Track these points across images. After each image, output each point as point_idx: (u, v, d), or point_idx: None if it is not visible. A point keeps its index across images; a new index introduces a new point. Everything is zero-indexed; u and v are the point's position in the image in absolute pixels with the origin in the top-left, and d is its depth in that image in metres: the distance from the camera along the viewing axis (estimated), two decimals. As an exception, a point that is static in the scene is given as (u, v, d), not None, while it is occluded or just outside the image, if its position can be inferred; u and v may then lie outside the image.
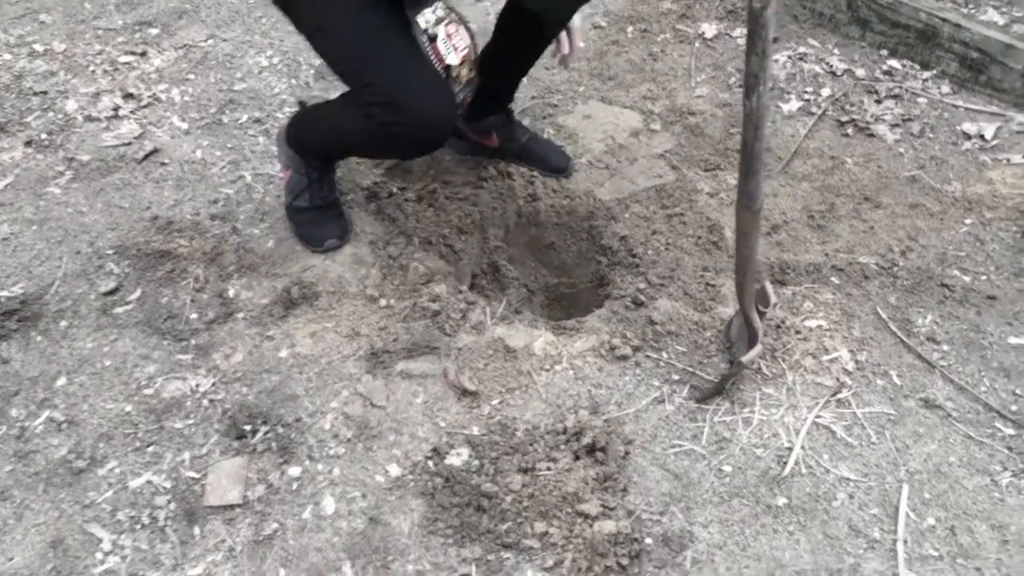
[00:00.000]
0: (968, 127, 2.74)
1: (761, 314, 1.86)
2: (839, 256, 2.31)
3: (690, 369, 2.00)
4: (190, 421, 1.91)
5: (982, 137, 2.71)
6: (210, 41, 3.13)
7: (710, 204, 2.49)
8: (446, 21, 2.19)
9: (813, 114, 2.86)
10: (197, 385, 1.98)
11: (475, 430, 1.89)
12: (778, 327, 2.09)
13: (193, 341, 2.09)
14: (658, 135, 2.75)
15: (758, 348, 1.84)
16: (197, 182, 2.53)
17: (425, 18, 2.17)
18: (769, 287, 1.85)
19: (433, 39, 2.16)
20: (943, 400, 1.95)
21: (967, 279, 2.25)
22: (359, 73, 1.92)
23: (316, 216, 2.32)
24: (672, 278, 2.22)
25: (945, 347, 2.08)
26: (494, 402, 1.94)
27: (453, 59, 2.19)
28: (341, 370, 2.01)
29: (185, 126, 2.74)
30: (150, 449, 1.86)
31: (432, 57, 2.14)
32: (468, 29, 2.27)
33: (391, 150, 2.19)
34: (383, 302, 2.16)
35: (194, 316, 2.15)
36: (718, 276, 2.25)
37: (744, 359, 1.82)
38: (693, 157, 2.68)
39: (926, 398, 1.95)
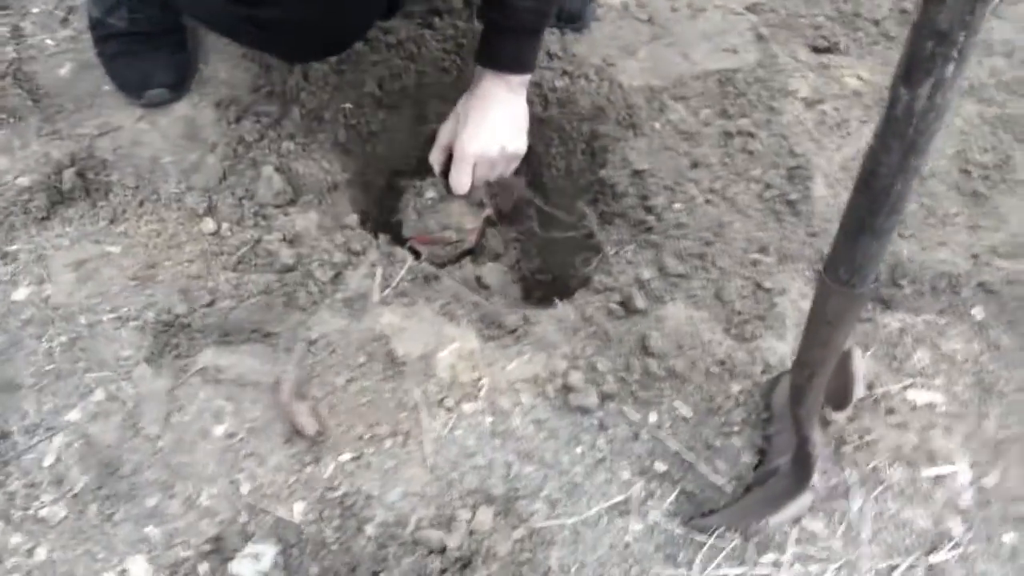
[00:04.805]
0: None
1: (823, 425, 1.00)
2: (997, 265, 1.36)
3: (689, 457, 1.15)
4: None
5: None
6: None
7: (804, 121, 1.48)
8: None
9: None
10: None
11: (297, 511, 1.10)
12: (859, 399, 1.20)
13: None
14: (750, -31, 1.67)
15: (804, 500, 1.00)
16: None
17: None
18: (858, 364, 0.97)
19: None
20: (1112, 594, 1.11)
21: None
22: None
23: (138, 47, 1.38)
24: (703, 261, 1.30)
25: None
26: (344, 457, 1.14)
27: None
28: (106, 346, 1.19)
29: None
30: None
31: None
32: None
33: (261, 47, 1.33)
34: (210, 224, 1.28)
35: (-96, 194, 1.29)
36: (782, 267, 1.32)
37: (773, 521, 0.98)
38: (798, 21, 1.63)
39: (1083, 588, 1.11)
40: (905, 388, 1.24)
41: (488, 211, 1.49)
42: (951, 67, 0.55)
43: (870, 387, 1.22)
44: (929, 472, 1.18)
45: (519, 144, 1.39)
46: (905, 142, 0.60)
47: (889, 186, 0.63)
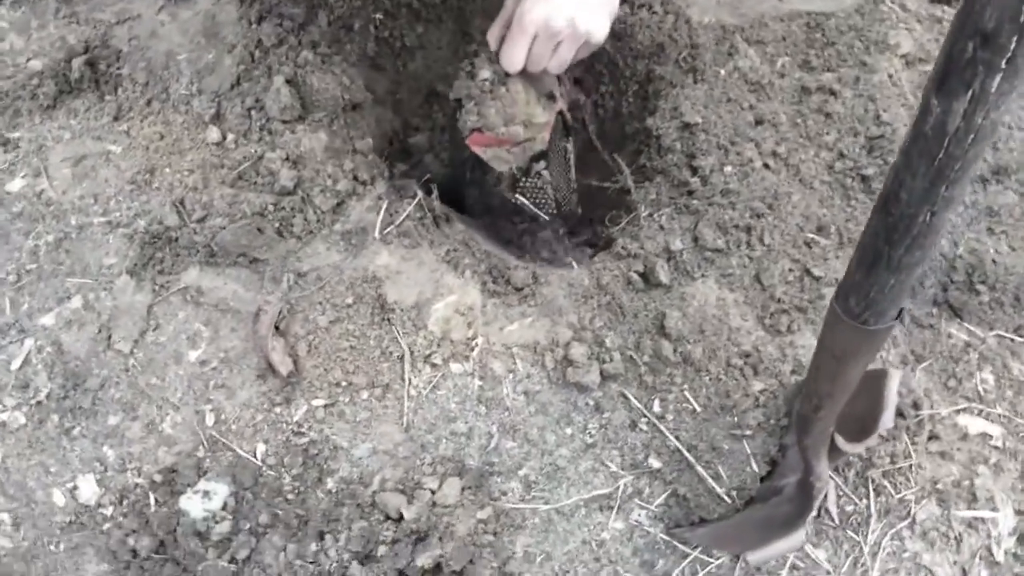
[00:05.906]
0: None
1: (836, 455, 0.87)
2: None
3: (690, 456, 1.03)
4: None
5: None
6: None
7: (900, 82, 1.28)
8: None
9: None
10: None
11: (259, 451, 1.04)
12: (900, 414, 1.05)
13: None
14: None
15: (795, 540, 0.87)
16: None
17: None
18: (892, 391, 0.83)
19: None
20: None
21: None
22: None
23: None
24: (747, 235, 1.14)
25: None
26: (316, 401, 1.06)
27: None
28: (92, 252, 1.13)
29: None
30: None
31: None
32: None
33: None
34: (215, 133, 1.19)
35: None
36: (840, 252, 1.15)
37: (752, 558, 0.87)
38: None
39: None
40: (957, 412, 1.08)
41: (560, 105, 1.21)
42: (996, 79, 0.39)
43: (916, 406, 1.06)
44: (964, 513, 1.03)
45: (594, 24, 1.04)
46: (933, 166, 0.44)
47: (912, 216, 0.48)
